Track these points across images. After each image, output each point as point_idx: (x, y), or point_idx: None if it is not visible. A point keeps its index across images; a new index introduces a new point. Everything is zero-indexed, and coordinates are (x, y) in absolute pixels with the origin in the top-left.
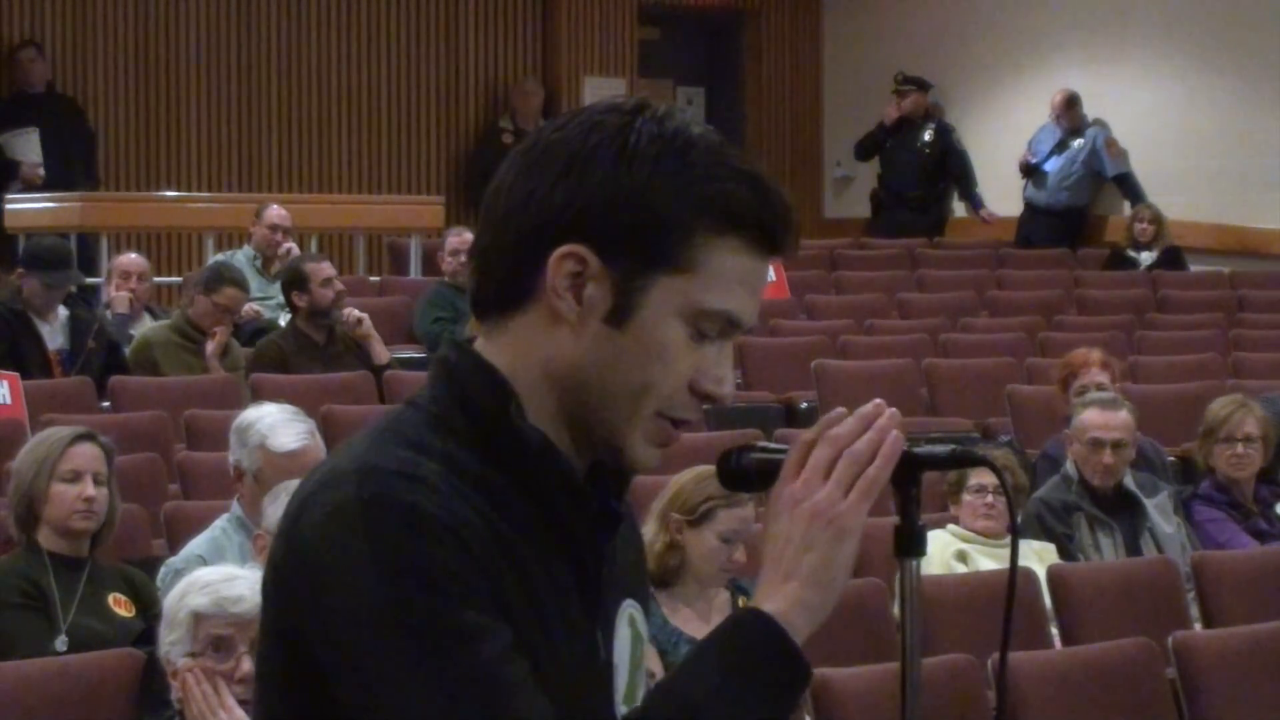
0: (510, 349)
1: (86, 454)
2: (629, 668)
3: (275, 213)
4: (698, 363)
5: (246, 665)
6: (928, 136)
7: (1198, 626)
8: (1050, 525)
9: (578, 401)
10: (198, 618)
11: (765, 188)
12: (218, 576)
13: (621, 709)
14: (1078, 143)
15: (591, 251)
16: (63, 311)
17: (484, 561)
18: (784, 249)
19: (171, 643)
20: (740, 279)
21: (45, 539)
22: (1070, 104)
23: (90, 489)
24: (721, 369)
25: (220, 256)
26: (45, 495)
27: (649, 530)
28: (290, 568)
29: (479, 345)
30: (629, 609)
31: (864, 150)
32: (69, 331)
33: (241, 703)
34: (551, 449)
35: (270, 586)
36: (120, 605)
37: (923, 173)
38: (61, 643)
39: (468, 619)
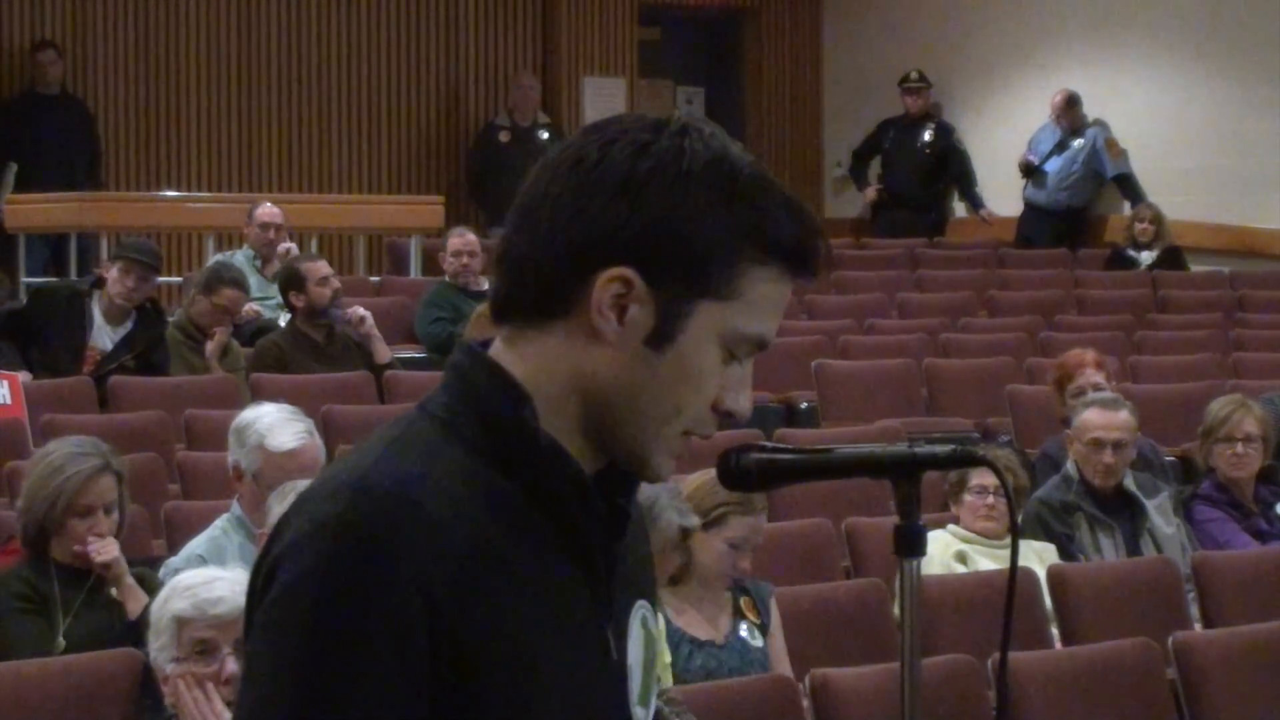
0: (534, 357)
1: (103, 487)
2: (643, 668)
3: (266, 211)
4: (723, 382)
5: (231, 666)
6: (928, 136)
7: (1198, 626)
8: (1050, 525)
9: (604, 416)
10: (180, 622)
11: (803, 214)
12: (198, 580)
13: (637, 710)
14: (1078, 143)
15: (638, 274)
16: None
17: (443, 613)
18: (817, 274)
19: (159, 649)
20: (775, 304)
21: (55, 553)
22: (1070, 104)
23: (103, 525)
24: (745, 387)
25: (220, 256)
26: (58, 527)
27: None
28: (262, 562)
29: (494, 350)
30: (641, 609)
31: (855, 168)
32: (122, 338)
33: (230, 704)
34: (561, 451)
35: (251, 579)
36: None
37: (923, 173)
38: (59, 646)
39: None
